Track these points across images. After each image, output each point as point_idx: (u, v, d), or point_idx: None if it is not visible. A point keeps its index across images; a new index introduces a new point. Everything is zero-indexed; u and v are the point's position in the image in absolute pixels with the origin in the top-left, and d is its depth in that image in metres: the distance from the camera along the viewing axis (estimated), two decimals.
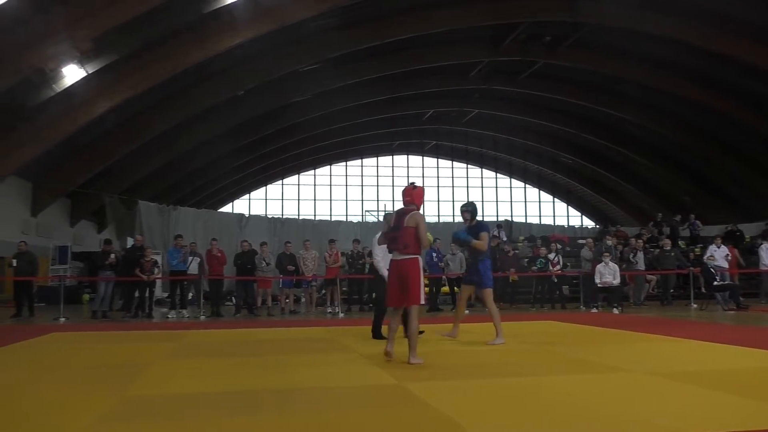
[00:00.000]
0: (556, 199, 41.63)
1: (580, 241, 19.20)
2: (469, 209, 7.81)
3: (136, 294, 13.86)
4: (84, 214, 25.81)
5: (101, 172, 22.75)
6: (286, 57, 20.32)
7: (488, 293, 7.66)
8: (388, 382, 5.11)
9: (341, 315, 13.24)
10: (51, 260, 20.90)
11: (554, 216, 41.07)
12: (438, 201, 40.07)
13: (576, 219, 40.92)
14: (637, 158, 30.50)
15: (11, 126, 17.50)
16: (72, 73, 16.68)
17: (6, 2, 12.64)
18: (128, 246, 16.59)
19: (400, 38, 20.39)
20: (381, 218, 34.11)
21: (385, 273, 7.40)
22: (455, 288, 15.65)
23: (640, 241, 17.12)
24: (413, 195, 6.33)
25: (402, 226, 6.14)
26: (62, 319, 12.52)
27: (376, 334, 8.02)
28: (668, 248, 16.29)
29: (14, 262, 14.06)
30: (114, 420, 3.87)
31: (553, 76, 25.09)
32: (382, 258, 7.71)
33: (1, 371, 5.87)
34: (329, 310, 14.81)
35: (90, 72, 16.85)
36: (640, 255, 15.69)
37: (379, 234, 7.90)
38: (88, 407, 4.15)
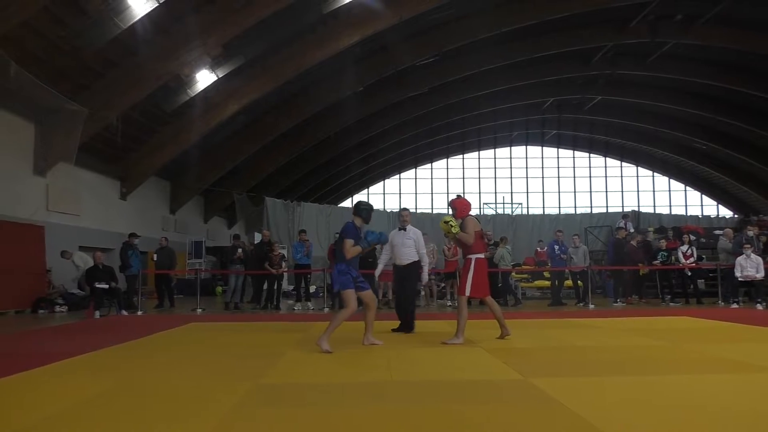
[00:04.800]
0: (688, 188, 39.16)
1: (717, 232, 17.93)
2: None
3: (265, 287, 14.50)
4: (216, 211, 27.40)
5: (231, 170, 24.06)
6: (404, 51, 20.42)
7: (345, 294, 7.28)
8: (513, 377, 5.02)
9: None
10: (187, 254, 22.40)
11: (686, 205, 38.71)
12: (559, 192, 38.95)
13: (711, 208, 38.26)
14: None
15: (152, 130, 18.93)
16: (204, 78, 17.74)
17: (148, 13, 13.58)
18: (256, 241, 17.39)
19: (519, 26, 19.90)
20: (489, 211, 33.74)
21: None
22: (578, 282, 15.14)
23: None
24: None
25: None
26: (199, 310, 13.36)
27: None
28: None
29: (155, 257, 15.20)
30: (250, 406, 4.07)
31: (685, 57, 23.48)
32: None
33: (149, 359, 6.33)
34: (449, 303, 14.77)
35: (220, 76, 17.84)
36: None
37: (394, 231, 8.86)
38: (227, 394, 4.39)
